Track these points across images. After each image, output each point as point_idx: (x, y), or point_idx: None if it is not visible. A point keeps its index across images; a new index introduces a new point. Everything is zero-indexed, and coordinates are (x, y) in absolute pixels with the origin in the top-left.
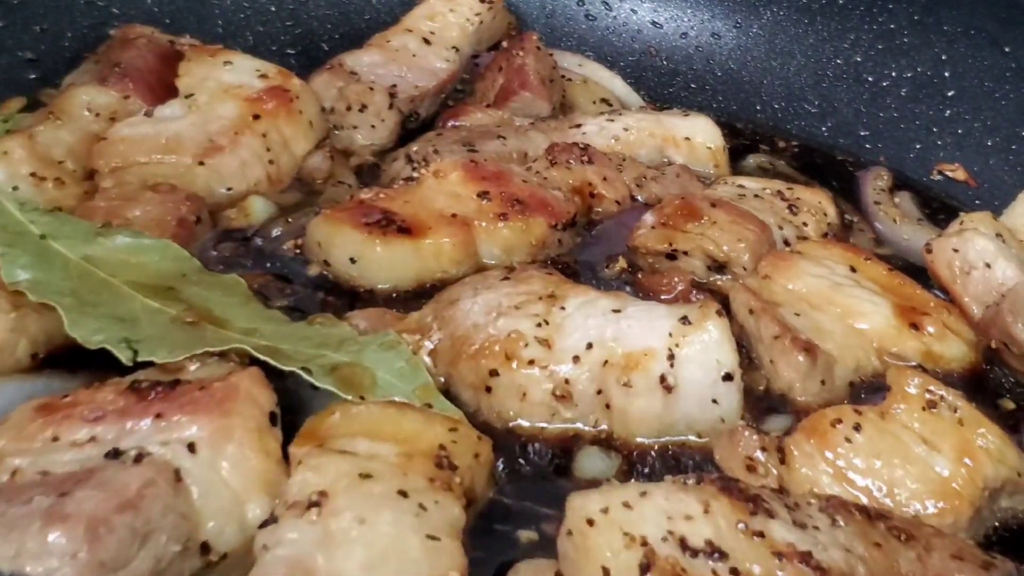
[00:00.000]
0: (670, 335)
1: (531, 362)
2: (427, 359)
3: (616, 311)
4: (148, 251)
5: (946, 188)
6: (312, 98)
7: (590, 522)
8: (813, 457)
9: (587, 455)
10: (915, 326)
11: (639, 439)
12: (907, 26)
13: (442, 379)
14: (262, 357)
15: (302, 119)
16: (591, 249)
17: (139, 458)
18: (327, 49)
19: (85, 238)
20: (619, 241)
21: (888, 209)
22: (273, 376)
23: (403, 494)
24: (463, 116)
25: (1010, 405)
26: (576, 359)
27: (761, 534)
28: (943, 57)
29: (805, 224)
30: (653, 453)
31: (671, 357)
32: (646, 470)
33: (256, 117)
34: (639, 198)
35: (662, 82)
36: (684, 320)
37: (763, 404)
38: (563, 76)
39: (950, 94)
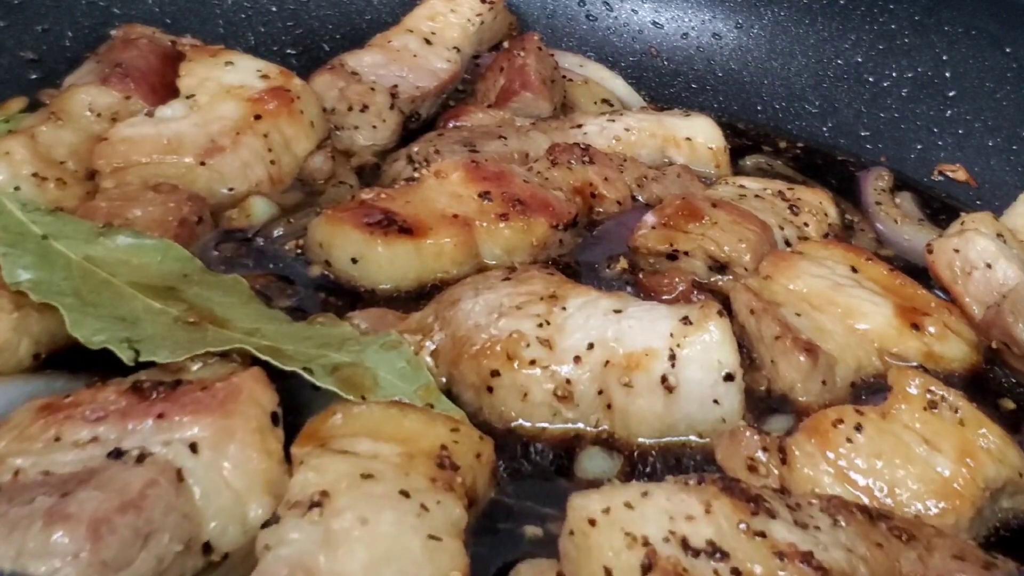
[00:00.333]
0: (671, 335)
1: (532, 362)
2: (428, 359)
3: (617, 311)
4: (150, 251)
5: (947, 188)
6: (313, 98)
7: (592, 522)
8: (814, 457)
9: (589, 455)
10: (916, 326)
11: (640, 439)
12: (908, 26)
13: (443, 379)
14: (264, 357)
15: (303, 119)
16: (592, 249)
17: (141, 458)
18: (328, 49)
19: (87, 238)
20: (620, 241)
21: (889, 209)
22: (275, 376)
23: (405, 494)
24: (464, 116)
25: (1011, 405)
26: (577, 359)
27: (762, 534)
28: (944, 57)
29: (806, 224)
30: (654, 453)
31: (672, 357)
32: (647, 470)
33: (257, 117)
34: (640, 198)
35: (663, 82)
36: (685, 320)
37: (764, 404)
38: (564, 76)
39: (951, 94)
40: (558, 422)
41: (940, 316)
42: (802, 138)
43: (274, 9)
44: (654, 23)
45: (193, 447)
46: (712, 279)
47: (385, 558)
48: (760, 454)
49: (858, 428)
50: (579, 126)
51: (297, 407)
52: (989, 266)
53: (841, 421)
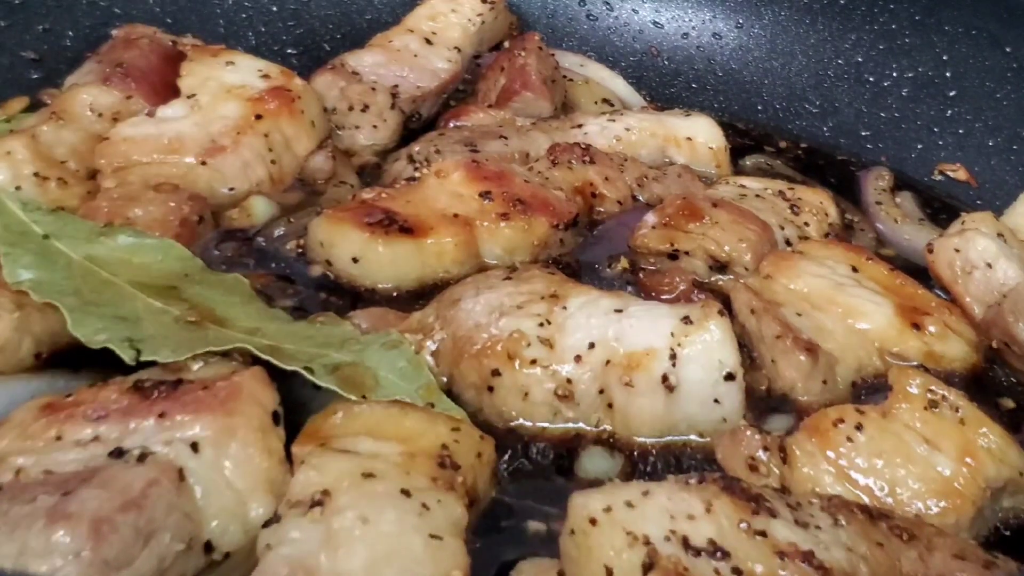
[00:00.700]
0: (672, 335)
1: (533, 362)
2: (429, 359)
3: (618, 311)
4: (151, 251)
5: (947, 188)
6: (314, 98)
7: (592, 521)
8: (815, 456)
9: (590, 455)
10: (916, 326)
11: (641, 439)
12: (908, 26)
13: (444, 379)
14: (265, 357)
15: (304, 119)
16: (593, 249)
17: (142, 457)
18: (329, 49)
19: (88, 238)
20: (621, 241)
21: (889, 209)
22: (276, 375)
23: (406, 493)
24: (465, 116)
25: (1011, 404)
26: (578, 359)
27: (763, 533)
28: (944, 57)
29: (807, 224)
30: (655, 453)
31: (673, 357)
32: (648, 470)
33: (258, 117)
34: (641, 198)
35: (664, 82)
36: (686, 320)
37: (765, 404)
38: (565, 76)
39: (951, 94)
40: (559, 421)
41: (940, 316)
42: (802, 138)
43: (275, 9)
44: (655, 23)
45: (194, 446)
46: (713, 279)
47: (386, 557)
48: (761, 453)
49: (859, 427)
50: (580, 126)
51: (298, 406)
52: (989, 266)
53: (842, 420)
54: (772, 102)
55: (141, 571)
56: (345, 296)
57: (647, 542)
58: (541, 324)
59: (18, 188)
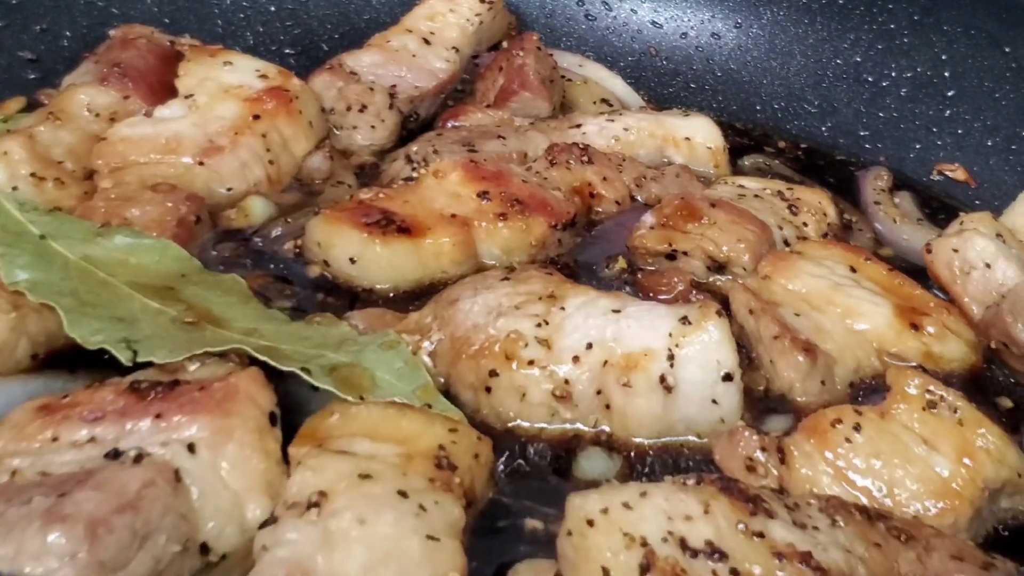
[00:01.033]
0: (670, 335)
1: (531, 362)
2: (427, 359)
3: (616, 311)
4: (148, 251)
5: (946, 188)
6: (312, 98)
7: (590, 522)
8: (813, 457)
9: (588, 456)
10: (915, 326)
11: (639, 439)
12: (907, 26)
13: (442, 379)
14: (262, 357)
15: (302, 119)
16: (591, 249)
17: (139, 458)
18: (327, 49)
19: (85, 238)
20: (619, 241)
21: (888, 209)
22: (273, 376)
23: (403, 494)
24: (463, 116)
25: (1010, 405)
26: (576, 359)
27: (761, 534)
28: (943, 57)
29: (805, 224)
30: (653, 453)
31: (671, 357)
32: (646, 470)
33: (256, 117)
34: (639, 198)
35: (662, 82)
36: (684, 320)
37: (763, 404)
38: (563, 76)
39: (950, 94)
40: (556, 422)
41: (939, 316)
42: (801, 138)
43: (273, 9)
44: (653, 23)
45: (191, 447)
46: (711, 279)
47: (383, 558)
48: (759, 454)
49: (857, 428)
50: (578, 126)
51: (295, 407)
52: (988, 266)
53: (840, 421)
54: (771, 102)
55: (137, 573)
56: (343, 296)
57: (644, 543)
58: (539, 324)
59: (15, 188)
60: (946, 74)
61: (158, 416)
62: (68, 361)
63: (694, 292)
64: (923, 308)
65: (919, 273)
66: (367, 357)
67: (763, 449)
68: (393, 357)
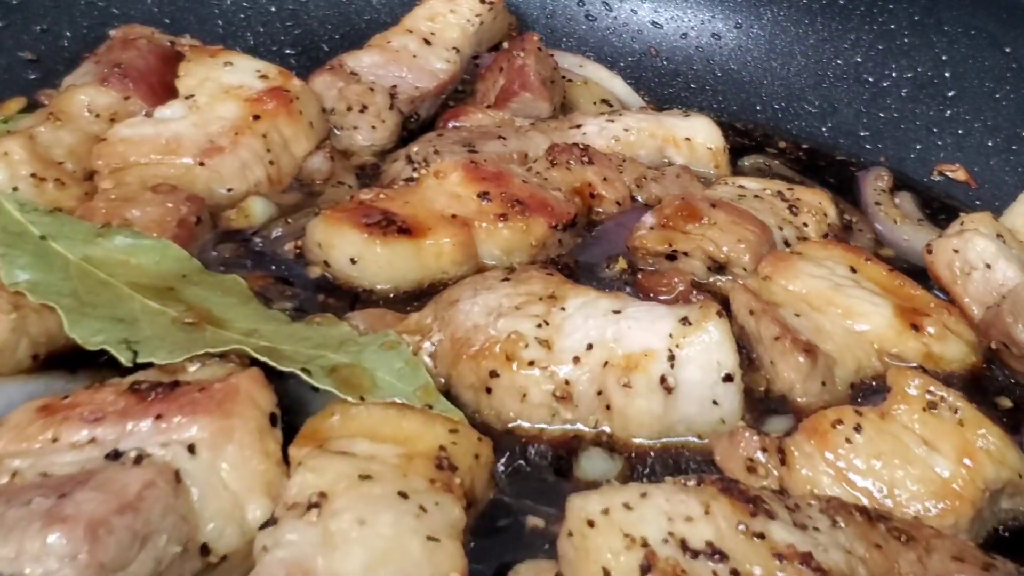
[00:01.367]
0: (670, 336)
1: (531, 363)
2: (427, 360)
3: (616, 312)
4: (148, 252)
5: (946, 188)
6: (312, 99)
7: (590, 523)
8: (813, 458)
9: (589, 457)
10: (915, 327)
11: (639, 440)
12: (907, 26)
13: (442, 380)
14: (262, 358)
15: (302, 120)
16: (591, 250)
17: (139, 459)
18: (327, 50)
19: (85, 239)
20: (619, 242)
21: (888, 210)
22: (273, 377)
23: (403, 495)
24: (463, 117)
25: (1010, 405)
26: (576, 360)
27: (762, 535)
28: (943, 57)
29: (805, 225)
30: (653, 454)
31: (671, 358)
32: (646, 471)
33: (256, 118)
34: (639, 199)
35: (662, 82)
36: (684, 321)
37: (763, 405)
38: (563, 77)
39: (950, 94)
40: (557, 423)
41: (939, 316)
42: (801, 138)
43: (273, 9)
44: (653, 23)
45: (191, 448)
46: (711, 279)
47: (383, 559)
48: (759, 455)
49: (857, 429)
50: (578, 126)
51: (295, 408)
52: (988, 266)
53: (840, 422)
54: (771, 102)
55: (137, 573)
56: (343, 297)
57: (645, 544)
58: (539, 325)
59: (15, 189)
60: (947, 74)
61: (158, 417)
62: (68, 362)
63: (694, 293)
64: (923, 309)
65: (919, 274)
66: (367, 358)
67: (764, 450)
68: (393, 358)
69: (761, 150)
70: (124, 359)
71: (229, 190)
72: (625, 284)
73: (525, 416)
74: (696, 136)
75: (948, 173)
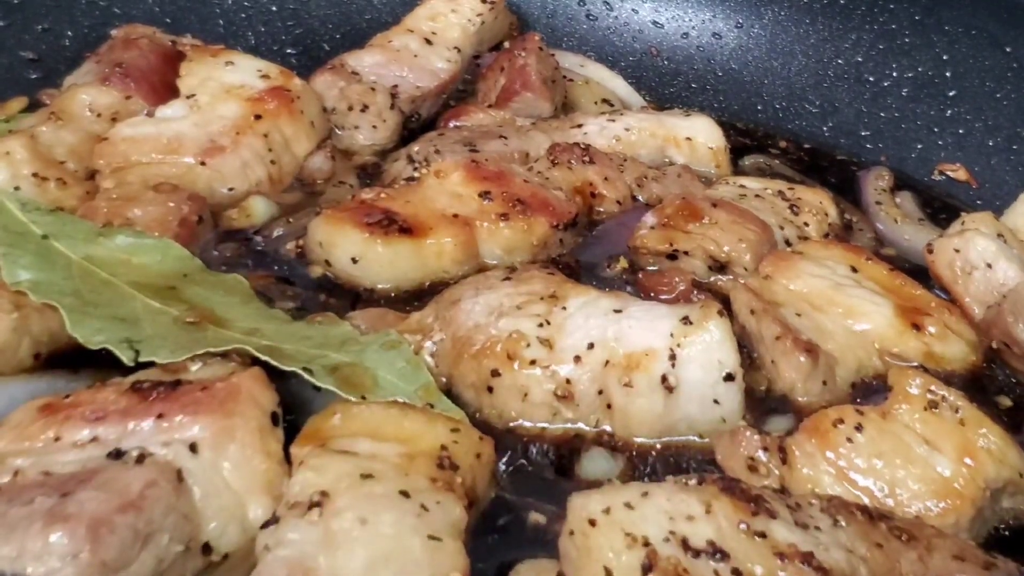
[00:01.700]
0: (671, 335)
1: (533, 362)
2: (428, 359)
3: (617, 311)
4: (150, 251)
5: (947, 188)
6: (314, 98)
7: (592, 522)
8: (815, 457)
9: (590, 456)
10: (916, 326)
11: (640, 439)
12: (908, 26)
13: (444, 379)
14: (263, 357)
15: (303, 119)
16: (592, 249)
17: (141, 458)
18: (328, 49)
19: (87, 238)
20: (620, 241)
21: (889, 209)
22: (275, 376)
23: (405, 494)
24: (464, 116)
25: (1011, 404)
26: (577, 359)
27: (763, 534)
28: (944, 57)
29: (806, 224)
30: (654, 453)
31: (672, 357)
32: (647, 470)
33: (258, 117)
34: (640, 198)
35: (663, 82)
36: (685, 320)
37: (764, 404)
38: (564, 76)
39: (951, 94)
40: (558, 422)
41: (940, 316)
42: (802, 138)
43: (274, 9)
44: (654, 23)
45: (193, 447)
46: (712, 279)
47: (385, 559)
48: (760, 454)
49: (858, 428)
50: (579, 126)
51: (297, 407)
52: (989, 266)
53: (841, 421)
54: (772, 102)
55: (139, 573)
56: (344, 296)
57: (646, 543)
58: (540, 324)
59: (17, 188)
60: (947, 74)
61: (160, 416)
62: (70, 361)
63: (695, 292)
64: (924, 308)
65: (920, 273)
66: (369, 357)
67: (765, 449)
68: (395, 357)
69: (762, 150)
70: (126, 358)
71: (230, 189)
72: (626, 283)
73: (526, 415)
74: (697, 136)
75: (949, 173)
